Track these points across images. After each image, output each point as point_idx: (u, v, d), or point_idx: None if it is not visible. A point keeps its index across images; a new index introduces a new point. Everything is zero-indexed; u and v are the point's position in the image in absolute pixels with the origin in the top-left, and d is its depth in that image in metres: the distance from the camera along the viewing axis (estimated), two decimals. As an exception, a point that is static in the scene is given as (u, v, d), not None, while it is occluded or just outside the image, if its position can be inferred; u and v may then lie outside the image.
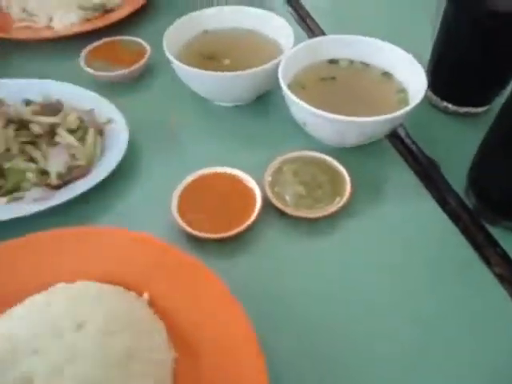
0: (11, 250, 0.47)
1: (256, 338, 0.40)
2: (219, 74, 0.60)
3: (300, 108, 0.57)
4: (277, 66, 0.62)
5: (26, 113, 0.59)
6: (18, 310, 0.39)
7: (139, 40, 0.80)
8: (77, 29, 0.83)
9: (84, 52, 0.77)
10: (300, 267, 0.51)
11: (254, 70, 0.61)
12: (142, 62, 0.75)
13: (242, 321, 0.42)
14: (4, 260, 0.47)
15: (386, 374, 0.43)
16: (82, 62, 0.75)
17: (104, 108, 0.66)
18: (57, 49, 0.84)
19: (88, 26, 0.83)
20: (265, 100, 0.73)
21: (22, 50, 0.84)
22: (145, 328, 0.40)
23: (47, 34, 0.84)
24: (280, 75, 0.59)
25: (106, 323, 0.38)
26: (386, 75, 0.65)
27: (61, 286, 0.43)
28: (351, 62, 0.68)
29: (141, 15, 0.90)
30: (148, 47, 0.78)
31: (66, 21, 0.86)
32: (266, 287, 0.49)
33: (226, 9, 0.76)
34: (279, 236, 0.54)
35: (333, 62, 0.68)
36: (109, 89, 0.73)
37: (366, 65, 0.67)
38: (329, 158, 0.59)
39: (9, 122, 0.56)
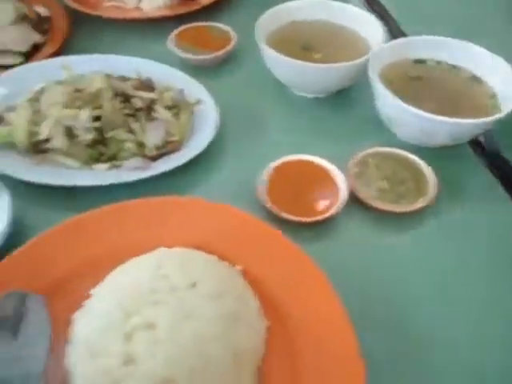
0: (115, 213, 0.51)
1: (343, 307, 0.43)
2: (312, 64, 0.63)
3: (389, 102, 0.58)
4: (366, 61, 0.63)
5: (128, 88, 0.63)
6: (132, 267, 0.43)
7: (225, 26, 0.83)
8: (165, 12, 0.87)
9: (173, 34, 0.80)
10: (379, 257, 0.53)
11: (346, 63, 0.62)
12: (229, 47, 0.78)
13: (330, 293, 0.44)
14: (108, 221, 0.51)
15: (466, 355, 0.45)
16: (170, 44, 0.79)
17: (193, 89, 0.70)
18: (144, 30, 0.88)
19: (175, 10, 0.87)
20: (343, 94, 0.74)
21: (111, 29, 0.89)
22: (243, 295, 0.43)
23: (137, 14, 0.88)
24: (370, 69, 0.61)
25: (214, 286, 0.41)
26: (475, 78, 0.65)
27: (163, 249, 0.47)
28: (438, 62, 0.68)
29: (224, 2, 0.93)
30: (234, 34, 0.81)
31: (154, 3, 0.90)
32: (345, 271, 0.51)
33: (314, 1, 0.77)
34: (360, 227, 0.56)
35: (419, 61, 0.69)
36: (194, 71, 0.76)
37: (453, 66, 0.67)
38: (411, 156, 0.60)
39: (116, 94, 0.60)
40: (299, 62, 0.63)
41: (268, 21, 0.73)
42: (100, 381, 0.36)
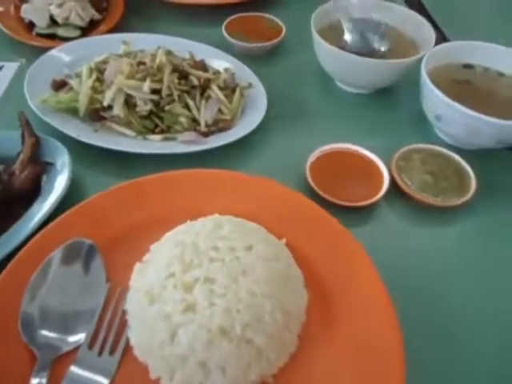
0: (173, 180, 0.54)
1: (382, 282, 0.45)
2: (365, 59, 0.65)
3: (440, 100, 0.60)
4: (416, 60, 0.65)
5: (186, 65, 0.66)
6: (191, 228, 0.45)
7: (274, 18, 0.85)
8: (218, 0, 0.90)
9: (226, 22, 0.83)
10: (416, 245, 0.55)
11: (398, 60, 0.65)
12: (279, 38, 0.81)
13: (370, 270, 0.46)
14: (165, 187, 0.54)
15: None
16: (224, 31, 0.81)
17: (243, 74, 0.72)
18: (196, 15, 0.91)
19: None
20: (385, 92, 0.76)
21: (165, 12, 0.92)
22: (291, 264, 0.45)
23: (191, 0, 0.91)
24: (423, 68, 0.63)
25: (267, 250, 0.43)
26: (522, 86, 0.67)
27: (215, 216, 0.49)
28: (486, 69, 0.70)
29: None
30: (283, 26, 0.84)
31: (209, -9, 0.93)
32: (382, 254, 0.51)
33: (364, 1, 0.79)
34: (400, 216, 0.58)
35: (467, 66, 0.70)
36: (243, 58, 0.78)
37: (501, 74, 0.69)
38: (454, 155, 0.62)
39: (174, 70, 0.63)
40: (353, 56, 0.65)
41: (320, 16, 0.75)
42: (160, 324, 0.38)
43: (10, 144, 0.58)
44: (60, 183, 0.53)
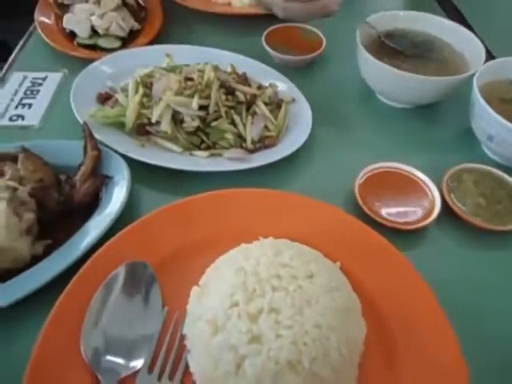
0: (222, 199, 0.54)
1: (442, 310, 0.44)
2: (416, 76, 0.63)
3: (493, 121, 0.58)
4: (465, 78, 0.64)
5: (232, 81, 0.65)
6: (249, 252, 0.45)
7: (315, 30, 0.84)
8: (257, 10, 0.89)
9: (265, 32, 0.83)
10: (469, 271, 0.54)
11: (449, 77, 0.63)
12: (321, 49, 0.80)
13: (429, 296, 0.45)
14: (217, 206, 0.53)
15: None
16: (263, 42, 0.81)
17: (286, 87, 0.72)
18: (232, 25, 0.91)
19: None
20: (430, 107, 0.74)
21: (203, 22, 0.92)
22: (351, 292, 0.45)
23: (228, 10, 0.91)
24: (476, 86, 0.61)
25: (329, 279, 0.42)
26: None
27: (271, 240, 0.48)
28: (537, 86, 0.68)
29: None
30: (323, 38, 0.83)
31: (244, 1, 0.92)
32: (436, 279, 0.51)
33: (412, 14, 0.78)
34: (453, 239, 0.57)
35: (517, 83, 0.68)
36: (282, 70, 0.77)
37: (553, 91, 0.67)
38: (506, 176, 0.60)
39: (220, 86, 0.63)
40: (400, 72, 0.64)
41: (366, 29, 0.74)
42: (225, 355, 0.38)
43: (70, 153, 0.58)
44: (118, 197, 0.53)
